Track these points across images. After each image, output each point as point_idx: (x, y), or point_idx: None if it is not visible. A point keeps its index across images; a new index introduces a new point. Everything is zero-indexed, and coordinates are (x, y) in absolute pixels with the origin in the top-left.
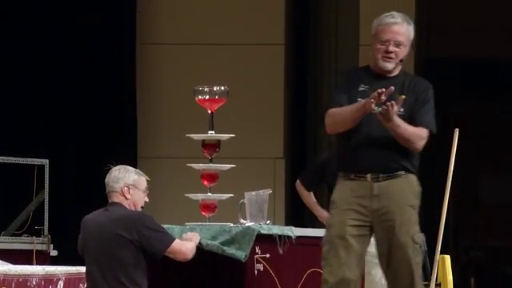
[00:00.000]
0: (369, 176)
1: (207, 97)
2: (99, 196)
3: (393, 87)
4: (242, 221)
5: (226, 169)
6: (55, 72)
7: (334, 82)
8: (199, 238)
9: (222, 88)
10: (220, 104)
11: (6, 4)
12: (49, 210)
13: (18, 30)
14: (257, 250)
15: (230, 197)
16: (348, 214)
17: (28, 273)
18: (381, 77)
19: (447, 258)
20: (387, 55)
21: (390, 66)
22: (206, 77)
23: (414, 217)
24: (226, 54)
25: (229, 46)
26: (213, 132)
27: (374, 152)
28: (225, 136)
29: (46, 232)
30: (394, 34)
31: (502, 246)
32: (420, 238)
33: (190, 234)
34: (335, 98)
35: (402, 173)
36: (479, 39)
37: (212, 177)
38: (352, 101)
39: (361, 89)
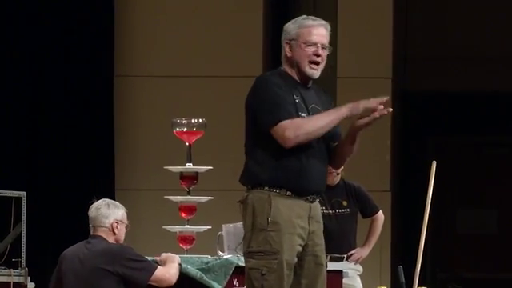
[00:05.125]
0: (307, 196)
1: (185, 129)
2: (77, 228)
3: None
4: (219, 253)
5: (203, 201)
6: (33, 105)
7: (265, 89)
8: (178, 257)
9: (200, 120)
10: (198, 136)
11: None
12: (26, 243)
13: None
14: (234, 282)
15: (208, 229)
16: (295, 240)
17: None
18: (302, 86)
19: None
20: (315, 60)
21: (317, 73)
22: (184, 109)
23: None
24: (204, 86)
25: (206, 78)
26: (191, 164)
27: (318, 171)
28: (203, 168)
29: (23, 264)
30: (320, 37)
31: (480, 279)
32: None
33: (165, 255)
34: (286, 107)
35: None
36: (457, 71)
37: (190, 209)
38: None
39: (296, 100)
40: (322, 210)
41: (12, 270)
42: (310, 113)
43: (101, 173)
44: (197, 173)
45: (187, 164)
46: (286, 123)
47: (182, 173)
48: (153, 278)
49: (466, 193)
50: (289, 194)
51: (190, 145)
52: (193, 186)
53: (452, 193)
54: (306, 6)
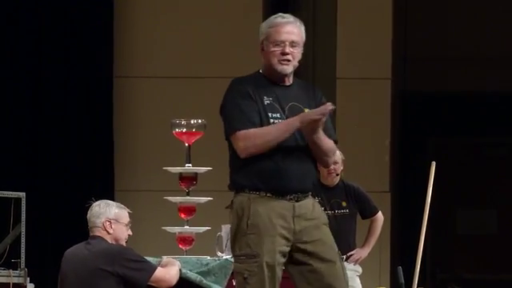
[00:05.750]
0: (290, 196)
1: (184, 130)
2: (76, 229)
3: (331, 106)
4: (219, 254)
5: (203, 202)
6: (32, 105)
7: (230, 98)
8: (179, 262)
9: (200, 121)
10: (197, 137)
11: None
12: (25, 244)
13: None
14: (234, 282)
15: (207, 230)
16: (276, 242)
17: None
18: (279, 85)
19: None
20: (284, 57)
21: (288, 69)
22: (183, 110)
23: (330, 235)
24: (203, 87)
25: (206, 79)
26: (190, 165)
27: (297, 169)
28: (202, 169)
29: (22, 265)
30: (288, 35)
31: (480, 279)
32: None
33: (166, 260)
34: (246, 116)
35: (310, 191)
36: (457, 71)
37: (189, 210)
38: (262, 117)
39: (266, 102)
40: None
41: (11, 271)
42: (286, 112)
43: (100, 174)
44: (196, 173)
45: (186, 165)
46: (240, 134)
47: (181, 173)
48: (153, 278)
49: (465, 193)
50: (269, 195)
51: (189, 145)
52: (192, 187)
53: (452, 193)
54: (305, 7)
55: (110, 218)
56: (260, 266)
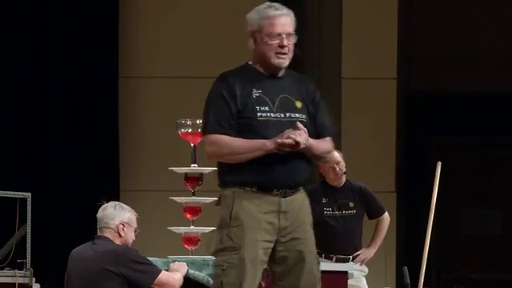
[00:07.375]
0: (276, 191)
1: (190, 130)
2: (82, 229)
3: (300, 125)
4: None
5: (208, 202)
6: (37, 106)
7: (210, 96)
8: (186, 268)
9: None
10: (203, 137)
11: None
12: (31, 244)
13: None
14: None
15: (213, 230)
16: (259, 235)
17: None
18: (269, 77)
19: None
20: (282, 51)
21: (285, 62)
22: (189, 110)
23: (313, 236)
24: (208, 87)
25: (211, 79)
26: (195, 165)
27: (284, 164)
28: (207, 169)
29: (28, 265)
30: (284, 27)
31: (485, 279)
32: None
33: (177, 264)
34: (220, 119)
35: (301, 188)
36: (461, 72)
37: (195, 210)
38: (248, 110)
39: (255, 95)
40: (329, 210)
41: (17, 271)
42: (276, 103)
43: (106, 174)
44: (201, 174)
45: (192, 165)
46: (211, 138)
47: (186, 174)
48: (157, 281)
49: (470, 194)
50: (254, 189)
51: (194, 146)
52: (198, 187)
53: (457, 194)
54: (311, 7)
55: (124, 222)
56: (241, 259)
